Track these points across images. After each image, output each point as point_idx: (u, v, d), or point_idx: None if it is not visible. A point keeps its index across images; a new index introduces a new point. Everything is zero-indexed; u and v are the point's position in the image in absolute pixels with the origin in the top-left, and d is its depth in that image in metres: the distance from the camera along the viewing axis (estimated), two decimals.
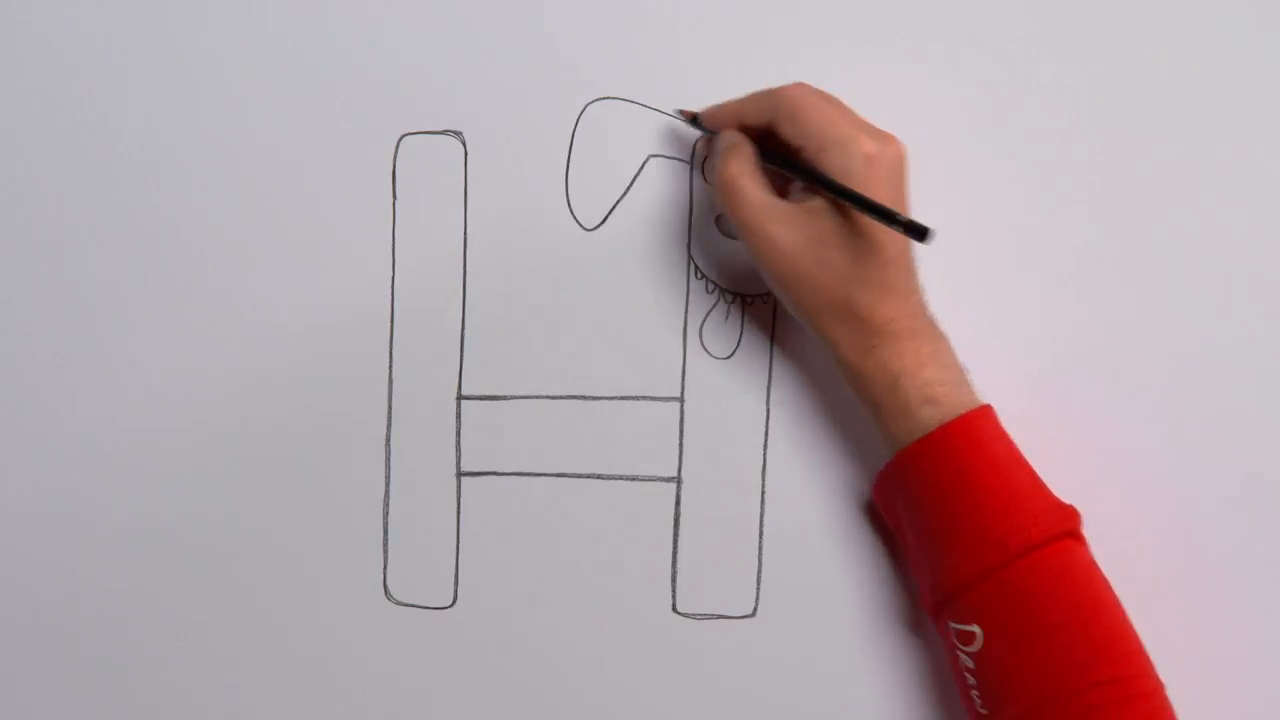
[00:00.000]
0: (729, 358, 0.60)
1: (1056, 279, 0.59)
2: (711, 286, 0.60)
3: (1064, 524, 0.52)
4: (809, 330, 0.56)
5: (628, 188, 0.59)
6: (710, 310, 0.60)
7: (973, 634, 0.52)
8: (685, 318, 0.60)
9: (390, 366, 0.60)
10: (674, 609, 0.60)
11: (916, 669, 0.60)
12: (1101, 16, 0.58)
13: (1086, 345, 0.59)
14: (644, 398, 0.60)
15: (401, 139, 0.59)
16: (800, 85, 0.54)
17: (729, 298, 0.60)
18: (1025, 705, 0.51)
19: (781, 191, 0.55)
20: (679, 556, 0.60)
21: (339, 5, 0.59)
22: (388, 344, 0.60)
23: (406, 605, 0.61)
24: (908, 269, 0.53)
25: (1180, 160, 0.59)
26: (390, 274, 0.60)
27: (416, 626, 0.61)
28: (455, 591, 0.61)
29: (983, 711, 0.53)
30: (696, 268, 0.60)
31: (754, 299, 0.60)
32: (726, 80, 0.58)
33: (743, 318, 0.60)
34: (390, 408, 0.60)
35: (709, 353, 0.60)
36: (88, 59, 0.59)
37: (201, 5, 0.59)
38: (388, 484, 0.61)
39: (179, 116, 0.60)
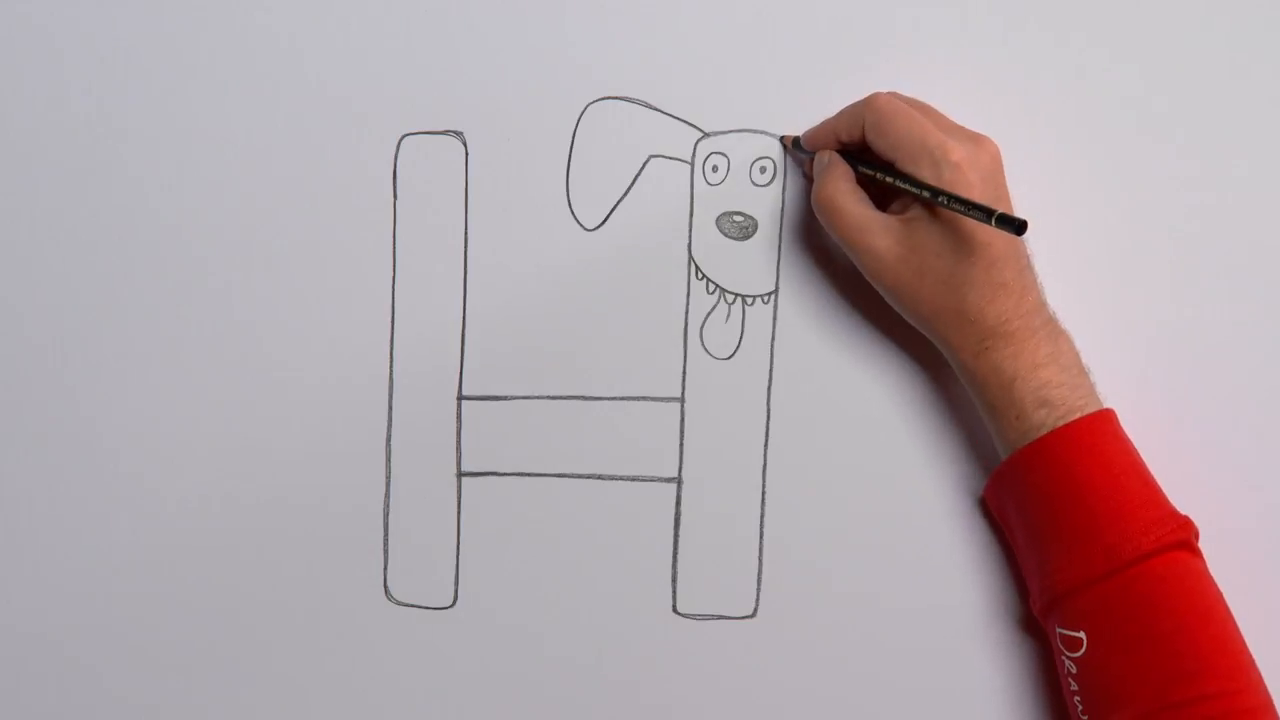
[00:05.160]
0: (729, 358, 0.60)
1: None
2: (712, 286, 0.60)
3: (1176, 534, 0.51)
4: (927, 336, 0.56)
5: (628, 188, 0.59)
6: (710, 310, 0.60)
7: (1078, 640, 0.52)
8: (685, 318, 0.60)
9: (390, 366, 0.60)
10: (674, 609, 0.60)
11: (917, 669, 0.60)
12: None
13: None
14: (644, 398, 0.60)
15: (402, 139, 0.59)
16: (887, 96, 0.54)
17: (729, 298, 0.60)
18: (1128, 715, 0.50)
19: (884, 205, 0.55)
20: (679, 556, 0.60)
21: (339, 5, 0.59)
22: (388, 344, 0.60)
23: (406, 605, 0.61)
24: (1019, 267, 0.53)
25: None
26: (391, 274, 0.60)
27: (416, 626, 0.61)
28: (455, 591, 0.61)
29: (1084, 718, 0.53)
30: (696, 268, 0.60)
31: (754, 299, 0.60)
32: (728, 79, 0.58)
33: (743, 318, 0.60)
34: (390, 408, 0.60)
35: (709, 353, 0.60)
36: (88, 59, 0.59)
37: (201, 5, 0.59)
38: (388, 484, 0.61)
39: (179, 117, 0.59)
